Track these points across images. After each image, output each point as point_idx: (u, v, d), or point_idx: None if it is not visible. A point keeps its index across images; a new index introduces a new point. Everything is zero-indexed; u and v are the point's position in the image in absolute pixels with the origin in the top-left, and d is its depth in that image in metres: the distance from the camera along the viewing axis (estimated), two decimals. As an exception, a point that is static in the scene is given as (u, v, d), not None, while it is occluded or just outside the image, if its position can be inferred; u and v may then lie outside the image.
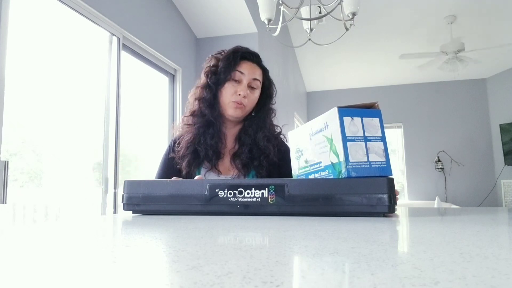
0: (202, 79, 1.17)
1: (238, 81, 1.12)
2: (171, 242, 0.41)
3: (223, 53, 1.17)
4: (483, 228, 0.49)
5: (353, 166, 0.66)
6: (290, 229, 0.50)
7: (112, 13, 2.28)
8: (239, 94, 1.10)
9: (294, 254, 0.33)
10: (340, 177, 0.66)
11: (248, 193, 0.67)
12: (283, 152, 1.15)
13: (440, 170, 6.43)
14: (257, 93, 1.15)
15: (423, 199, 6.40)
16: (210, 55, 1.20)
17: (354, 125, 0.68)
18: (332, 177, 0.69)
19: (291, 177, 0.82)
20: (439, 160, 6.43)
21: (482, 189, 6.27)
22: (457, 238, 0.40)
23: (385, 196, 0.62)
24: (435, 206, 4.80)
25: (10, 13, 1.66)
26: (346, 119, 0.67)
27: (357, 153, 0.67)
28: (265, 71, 1.19)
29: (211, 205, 0.68)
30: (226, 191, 0.68)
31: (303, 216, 0.64)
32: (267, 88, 1.19)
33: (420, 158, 6.55)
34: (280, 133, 1.23)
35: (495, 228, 0.51)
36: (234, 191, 0.68)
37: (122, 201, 0.73)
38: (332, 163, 0.69)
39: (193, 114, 1.16)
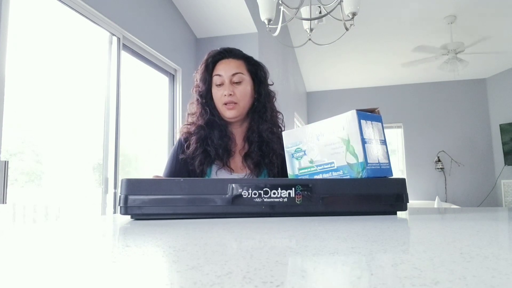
0: (193, 95, 1.19)
1: (221, 84, 1.12)
2: (171, 242, 0.41)
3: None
4: (483, 228, 0.49)
5: (371, 167, 0.69)
6: (290, 229, 0.50)
7: (112, 13, 2.28)
8: (225, 95, 1.10)
9: (294, 254, 0.33)
10: (360, 177, 0.69)
11: (274, 193, 0.64)
12: None
13: (440, 170, 6.43)
14: (244, 85, 1.12)
15: (423, 199, 6.40)
16: (195, 72, 1.20)
17: (368, 128, 0.71)
18: (348, 177, 0.70)
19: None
20: (439, 160, 6.43)
21: (482, 189, 6.27)
22: (457, 238, 0.40)
23: (403, 195, 0.67)
24: (435, 206, 4.80)
25: (10, 13, 1.66)
26: (363, 122, 0.70)
27: (372, 154, 0.70)
28: (246, 60, 1.16)
29: (234, 207, 0.64)
30: (250, 191, 0.64)
31: (330, 216, 0.64)
32: (255, 74, 1.16)
33: (420, 158, 6.55)
34: (282, 120, 1.22)
35: (495, 228, 0.51)
36: (260, 191, 0.64)
37: (119, 204, 0.65)
38: (348, 163, 0.70)
39: (192, 124, 1.16)
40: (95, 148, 2.30)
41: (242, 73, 1.12)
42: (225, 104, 1.10)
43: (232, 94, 1.10)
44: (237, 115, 1.12)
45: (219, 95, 1.11)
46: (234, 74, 1.11)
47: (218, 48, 1.17)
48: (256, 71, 1.16)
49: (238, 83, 1.11)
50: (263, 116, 1.14)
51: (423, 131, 6.59)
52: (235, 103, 1.10)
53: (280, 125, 1.20)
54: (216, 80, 1.12)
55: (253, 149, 1.12)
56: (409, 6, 4.09)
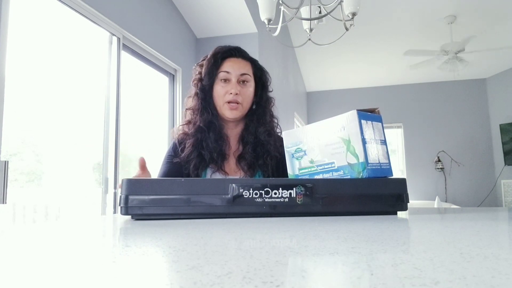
0: (192, 89, 1.17)
1: (227, 81, 1.10)
2: (171, 242, 0.41)
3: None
4: (483, 228, 0.49)
5: (371, 167, 0.69)
6: (290, 229, 0.50)
7: (112, 13, 2.28)
8: (231, 93, 1.08)
9: (294, 254, 0.33)
10: (360, 177, 0.69)
11: (275, 193, 0.64)
12: (281, 147, 1.14)
13: (440, 170, 6.43)
14: (250, 87, 1.12)
15: (423, 199, 6.40)
16: (195, 64, 1.19)
17: (368, 128, 0.71)
18: (348, 177, 0.70)
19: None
20: (439, 160, 6.43)
21: (482, 189, 6.27)
22: (457, 238, 0.40)
23: (403, 195, 0.68)
24: (435, 206, 4.80)
25: (10, 13, 1.66)
26: (363, 122, 0.71)
27: (372, 154, 0.70)
28: (253, 62, 1.16)
29: (235, 207, 0.64)
30: (251, 191, 0.64)
31: (330, 216, 0.64)
32: (259, 78, 1.16)
33: (420, 158, 6.55)
34: (277, 124, 1.22)
35: (495, 228, 0.51)
36: (261, 191, 0.64)
37: (120, 204, 0.64)
38: (349, 163, 0.70)
39: (189, 123, 1.14)
40: (95, 148, 2.30)
41: (249, 75, 1.12)
42: (229, 102, 1.09)
43: (238, 94, 1.08)
44: (238, 115, 1.11)
45: (223, 92, 1.10)
46: (242, 74, 1.10)
47: (225, 45, 1.16)
48: (261, 76, 1.17)
49: (245, 83, 1.11)
50: (261, 120, 1.14)
51: (423, 131, 6.59)
52: (239, 103, 1.09)
53: (276, 129, 1.20)
54: (222, 75, 1.10)
55: (247, 151, 1.11)
56: (409, 6, 4.09)
